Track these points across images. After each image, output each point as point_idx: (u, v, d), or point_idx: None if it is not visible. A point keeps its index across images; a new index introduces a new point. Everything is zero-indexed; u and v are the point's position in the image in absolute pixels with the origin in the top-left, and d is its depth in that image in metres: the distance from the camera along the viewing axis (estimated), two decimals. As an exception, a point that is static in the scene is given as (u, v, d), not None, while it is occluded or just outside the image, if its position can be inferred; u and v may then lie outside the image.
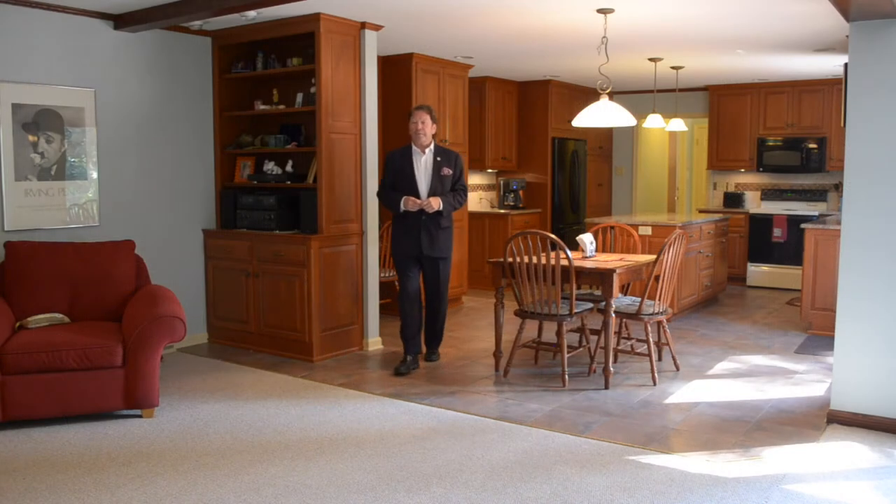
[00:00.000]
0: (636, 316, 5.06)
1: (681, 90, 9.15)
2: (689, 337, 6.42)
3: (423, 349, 5.60)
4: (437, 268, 5.34)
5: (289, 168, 5.98)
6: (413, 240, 5.24)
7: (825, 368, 5.36)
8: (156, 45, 5.68)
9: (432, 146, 5.25)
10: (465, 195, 5.39)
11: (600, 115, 5.57)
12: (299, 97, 5.79)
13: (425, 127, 5.19)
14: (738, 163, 9.50)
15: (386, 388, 4.91)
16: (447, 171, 5.24)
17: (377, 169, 5.93)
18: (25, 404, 4.06)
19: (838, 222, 6.13)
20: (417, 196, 5.20)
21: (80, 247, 4.85)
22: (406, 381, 5.00)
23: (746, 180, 9.74)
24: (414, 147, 5.24)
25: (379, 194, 5.42)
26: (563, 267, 4.87)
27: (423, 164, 5.22)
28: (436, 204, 5.12)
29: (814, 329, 6.52)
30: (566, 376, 4.95)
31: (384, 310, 6.61)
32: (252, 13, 5.23)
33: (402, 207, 5.15)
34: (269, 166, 6.07)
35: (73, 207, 5.26)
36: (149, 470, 3.58)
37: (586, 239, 5.50)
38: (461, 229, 7.86)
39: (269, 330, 5.78)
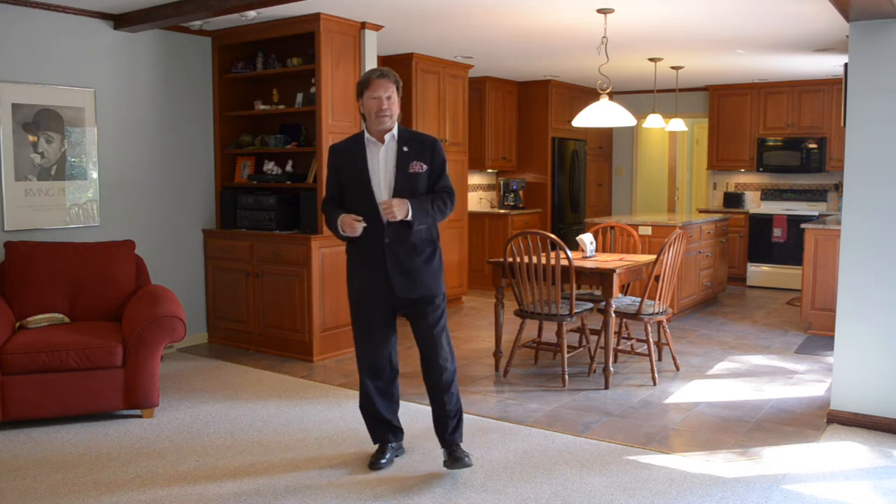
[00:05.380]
0: (636, 316, 5.06)
1: (681, 90, 9.16)
2: (689, 337, 6.42)
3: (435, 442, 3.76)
4: (423, 313, 3.49)
5: (289, 168, 5.98)
6: (376, 276, 3.45)
7: (825, 368, 5.35)
8: (156, 45, 5.68)
9: (395, 131, 3.47)
10: (452, 198, 3.52)
11: (600, 115, 5.57)
12: (299, 97, 5.79)
13: (391, 105, 3.41)
14: (738, 163, 9.50)
15: (386, 388, 4.90)
16: (419, 166, 3.45)
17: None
18: (25, 404, 4.06)
19: (838, 222, 6.14)
20: (373, 207, 3.40)
21: (80, 247, 4.85)
22: (405, 382, 4.94)
23: (746, 180, 9.74)
24: (367, 135, 3.48)
25: (322, 208, 3.64)
26: (563, 267, 4.87)
27: (381, 159, 3.45)
28: (399, 210, 3.33)
29: (814, 329, 6.52)
30: (566, 376, 4.95)
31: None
32: (252, 13, 5.23)
33: (342, 232, 3.43)
34: (269, 166, 6.07)
35: (73, 207, 5.26)
36: (149, 470, 3.58)
37: (586, 239, 5.50)
38: (461, 229, 7.87)
39: (269, 330, 5.78)
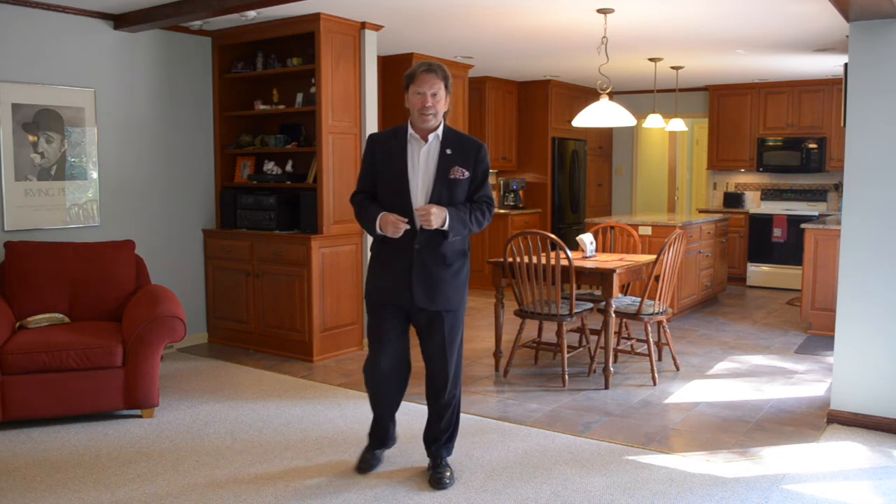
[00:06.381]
0: (636, 316, 5.06)
1: (681, 90, 9.15)
2: (689, 337, 6.42)
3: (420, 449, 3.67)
4: (438, 327, 3.33)
5: (289, 168, 5.98)
6: (398, 281, 3.28)
7: (825, 368, 5.35)
8: (156, 45, 5.68)
9: (440, 131, 3.27)
10: (491, 209, 3.37)
11: (600, 115, 5.57)
12: (299, 97, 5.79)
13: (436, 103, 3.21)
14: (738, 163, 9.50)
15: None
16: (461, 172, 3.24)
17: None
18: (25, 404, 4.06)
19: (838, 222, 6.14)
20: (408, 208, 3.23)
21: (80, 247, 4.85)
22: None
23: (746, 180, 9.74)
24: (411, 130, 3.28)
25: (353, 201, 3.44)
26: (563, 267, 4.87)
27: (422, 159, 3.25)
28: (437, 219, 3.16)
29: (814, 329, 6.52)
30: (566, 376, 4.95)
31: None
32: (252, 13, 5.23)
33: (379, 231, 3.25)
34: (269, 166, 6.07)
35: (73, 207, 5.26)
36: (149, 470, 3.58)
37: (586, 239, 5.51)
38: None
39: (269, 330, 5.78)
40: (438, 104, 3.21)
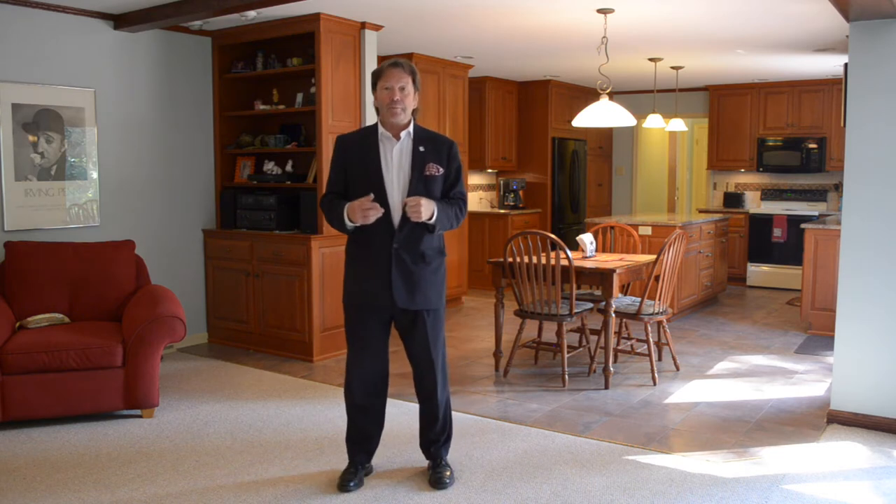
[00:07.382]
0: (636, 316, 5.06)
1: (681, 90, 9.16)
2: (689, 337, 6.42)
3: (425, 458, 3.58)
4: (420, 327, 3.29)
5: (289, 168, 5.99)
6: (378, 282, 3.23)
7: (825, 368, 5.36)
8: (156, 45, 5.68)
9: (411, 128, 3.26)
10: (465, 207, 3.35)
11: (600, 115, 5.57)
12: (299, 97, 5.79)
13: (405, 97, 3.19)
14: (738, 163, 9.50)
15: (386, 388, 4.90)
16: (436, 168, 3.23)
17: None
18: (25, 404, 4.06)
19: (838, 222, 6.14)
20: (385, 207, 3.18)
21: (80, 247, 4.85)
22: (405, 381, 4.91)
23: (746, 180, 9.74)
24: (382, 129, 3.25)
25: (322, 204, 3.39)
26: (563, 267, 4.87)
27: (395, 156, 3.23)
28: (426, 210, 3.13)
29: (814, 329, 6.52)
30: (566, 376, 4.95)
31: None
32: (252, 13, 5.23)
33: (349, 222, 3.20)
34: (269, 166, 6.07)
35: (73, 207, 5.26)
36: (149, 470, 3.58)
37: (586, 239, 5.51)
38: (461, 229, 7.86)
39: (269, 330, 5.78)
40: (406, 99, 3.19)
